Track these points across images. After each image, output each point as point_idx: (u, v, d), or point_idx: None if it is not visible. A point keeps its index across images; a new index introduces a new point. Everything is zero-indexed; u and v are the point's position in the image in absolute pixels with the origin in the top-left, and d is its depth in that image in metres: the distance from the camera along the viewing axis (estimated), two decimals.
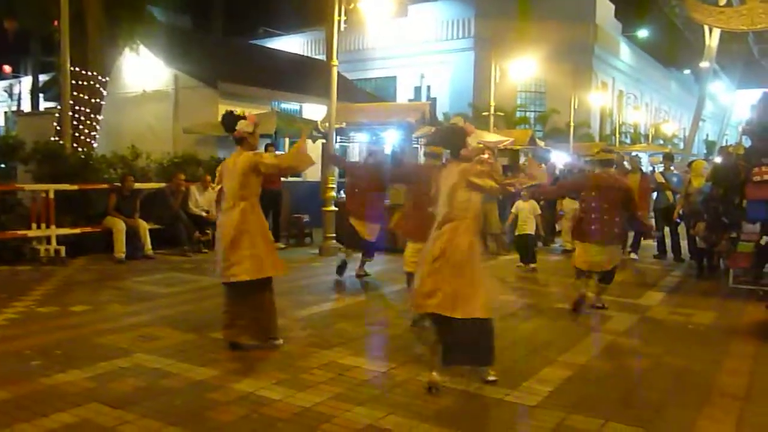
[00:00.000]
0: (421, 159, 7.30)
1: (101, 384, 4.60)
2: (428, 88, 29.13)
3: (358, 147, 17.52)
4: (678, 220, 11.26)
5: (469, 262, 4.55)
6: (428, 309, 4.61)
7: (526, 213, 10.42)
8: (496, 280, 4.65)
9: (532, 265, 10.33)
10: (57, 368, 4.88)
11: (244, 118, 5.64)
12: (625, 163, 12.47)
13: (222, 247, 5.51)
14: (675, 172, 12.70)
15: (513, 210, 10.73)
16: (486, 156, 12.45)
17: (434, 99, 27.35)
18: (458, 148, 4.78)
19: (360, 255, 9.23)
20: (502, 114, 23.90)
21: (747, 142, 9.26)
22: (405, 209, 7.22)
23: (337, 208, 11.34)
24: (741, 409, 4.43)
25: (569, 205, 12.42)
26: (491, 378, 4.72)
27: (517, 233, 10.64)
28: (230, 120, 5.63)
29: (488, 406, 4.37)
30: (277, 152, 12.90)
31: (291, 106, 16.82)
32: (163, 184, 11.63)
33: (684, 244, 11.45)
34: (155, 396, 4.40)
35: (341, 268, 9.03)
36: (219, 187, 5.76)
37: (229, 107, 14.53)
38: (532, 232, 10.54)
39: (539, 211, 10.64)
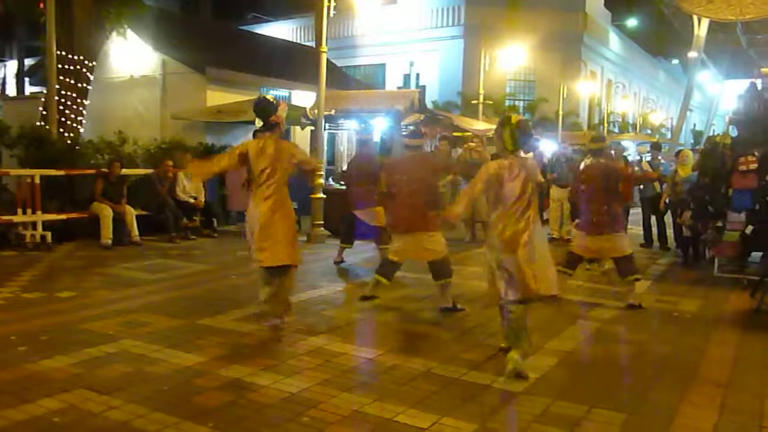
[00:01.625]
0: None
1: (88, 370, 4.59)
2: (417, 75, 29.04)
3: (347, 135, 17.48)
4: (664, 209, 11.32)
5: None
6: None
7: None
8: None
9: None
10: (43, 354, 4.86)
11: (278, 105, 5.79)
12: (612, 152, 12.49)
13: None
14: (662, 161, 12.77)
15: None
16: (474, 144, 12.55)
17: (423, 87, 27.24)
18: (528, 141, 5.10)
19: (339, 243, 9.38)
20: (490, 102, 23.85)
21: (734, 132, 9.31)
22: (390, 201, 7.12)
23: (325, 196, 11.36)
24: (723, 395, 4.48)
25: (556, 194, 12.45)
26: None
27: None
28: (267, 106, 5.76)
29: (475, 392, 4.39)
30: None
31: (280, 92, 16.71)
32: (150, 170, 11.57)
33: (670, 232, 11.53)
34: (142, 382, 4.40)
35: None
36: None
37: (217, 93, 14.60)
38: None
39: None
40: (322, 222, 11.37)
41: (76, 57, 12.71)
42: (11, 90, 35.46)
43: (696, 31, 29.86)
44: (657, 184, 11.81)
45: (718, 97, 40.21)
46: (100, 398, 4.08)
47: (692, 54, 30.76)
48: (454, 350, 5.21)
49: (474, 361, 4.99)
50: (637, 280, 7.23)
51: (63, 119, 12.29)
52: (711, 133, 28.36)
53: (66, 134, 11.96)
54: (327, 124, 13.73)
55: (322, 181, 11.57)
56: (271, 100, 5.91)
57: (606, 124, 32.39)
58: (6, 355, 4.87)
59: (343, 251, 9.35)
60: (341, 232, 9.48)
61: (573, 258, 7.47)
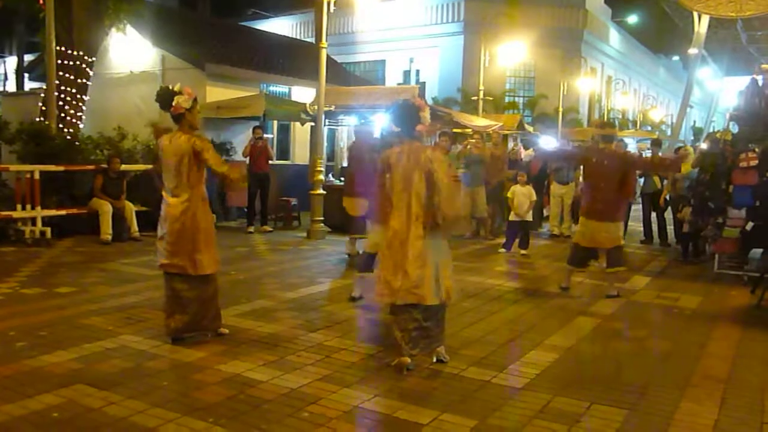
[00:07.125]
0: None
1: (87, 365, 4.58)
2: (417, 72, 29.00)
3: (346, 131, 17.46)
4: (665, 205, 11.32)
5: None
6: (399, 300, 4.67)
7: (521, 198, 10.15)
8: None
9: (523, 252, 10.21)
10: (42, 349, 4.86)
11: (179, 93, 5.23)
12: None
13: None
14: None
15: (509, 194, 10.55)
16: (474, 140, 12.54)
17: (423, 83, 27.26)
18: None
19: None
20: (490, 98, 23.86)
21: (734, 128, 9.31)
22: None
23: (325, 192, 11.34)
24: (723, 391, 4.48)
25: (556, 191, 12.43)
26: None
27: (510, 218, 10.50)
28: (165, 96, 5.22)
29: (475, 388, 4.39)
30: (265, 135, 12.86)
31: (280, 88, 16.69)
32: (149, 166, 11.54)
33: (670, 229, 11.52)
34: (141, 377, 4.39)
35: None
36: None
37: (216, 89, 14.56)
38: (528, 218, 10.39)
39: (535, 197, 10.38)
40: (322, 218, 11.37)
41: (75, 53, 12.67)
42: (11, 86, 35.41)
43: (696, 28, 29.78)
44: (657, 180, 11.82)
45: (718, 93, 40.15)
46: (99, 393, 4.07)
47: (692, 51, 30.69)
48: (453, 346, 5.19)
49: (474, 357, 4.99)
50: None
51: (62, 115, 12.27)
52: (711, 130, 28.33)
53: (65, 130, 11.93)
54: (327, 120, 13.72)
55: (322, 177, 11.56)
56: (175, 89, 5.26)
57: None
58: (5, 350, 4.86)
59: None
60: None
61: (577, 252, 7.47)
